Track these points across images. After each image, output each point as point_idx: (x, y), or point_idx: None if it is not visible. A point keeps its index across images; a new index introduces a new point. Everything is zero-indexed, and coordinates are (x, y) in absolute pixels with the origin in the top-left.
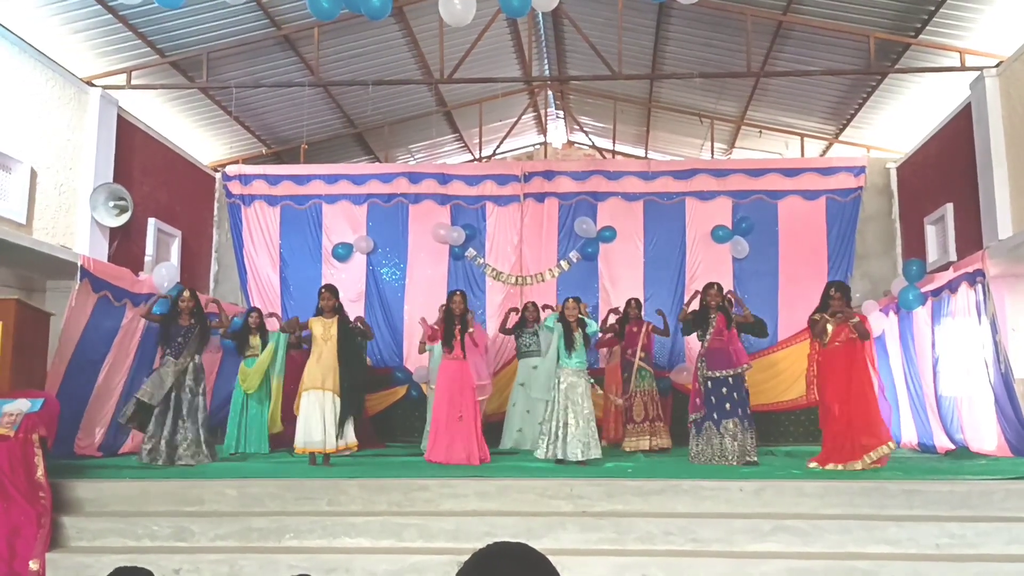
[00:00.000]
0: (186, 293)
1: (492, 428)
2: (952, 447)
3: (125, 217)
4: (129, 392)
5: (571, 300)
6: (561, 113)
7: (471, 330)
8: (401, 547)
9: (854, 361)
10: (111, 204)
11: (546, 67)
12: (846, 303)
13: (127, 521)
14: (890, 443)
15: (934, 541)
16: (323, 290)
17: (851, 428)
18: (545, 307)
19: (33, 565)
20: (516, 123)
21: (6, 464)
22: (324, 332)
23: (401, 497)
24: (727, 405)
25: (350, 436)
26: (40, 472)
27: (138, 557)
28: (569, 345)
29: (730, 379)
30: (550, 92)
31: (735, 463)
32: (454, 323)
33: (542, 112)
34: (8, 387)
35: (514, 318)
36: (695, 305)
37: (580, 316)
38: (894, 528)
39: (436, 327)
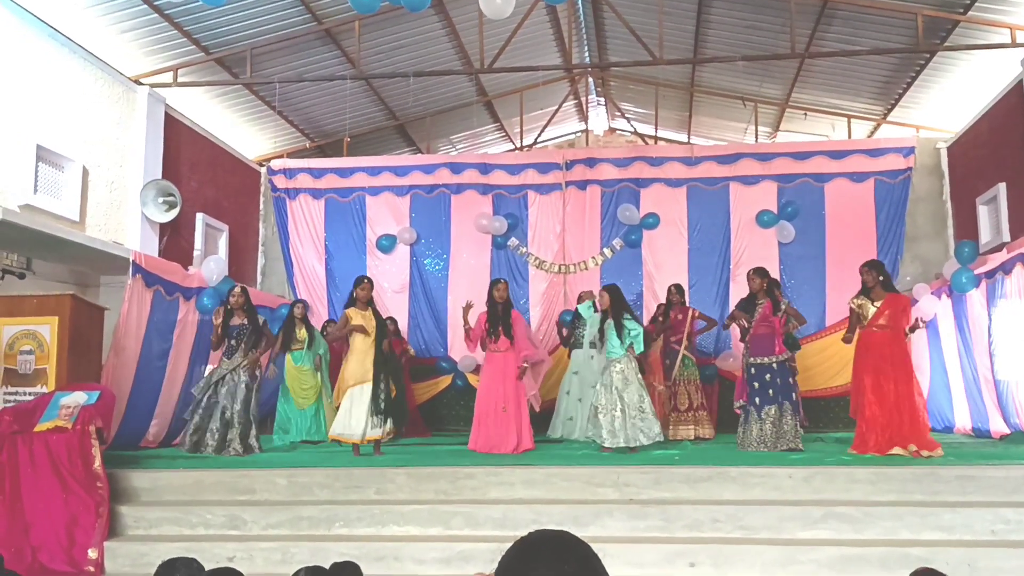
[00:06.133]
0: (236, 289)
1: (541, 416)
2: (1007, 432)
3: (174, 213)
4: (189, 386)
5: (602, 291)
6: (602, 100)
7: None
8: (448, 535)
9: (894, 350)
10: (160, 200)
11: (586, 54)
12: (878, 280)
13: (182, 510)
14: (938, 451)
15: (989, 527)
16: (366, 280)
17: (890, 417)
18: (582, 296)
19: (92, 553)
20: (557, 111)
21: (64, 455)
22: (366, 324)
23: (448, 485)
24: (770, 391)
25: (388, 423)
26: (97, 463)
27: (193, 545)
28: (601, 334)
29: (774, 365)
30: (591, 79)
31: (776, 449)
32: (498, 313)
33: (583, 99)
34: (65, 380)
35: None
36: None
37: (624, 319)
38: (948, 514)
39: (472, 326)
